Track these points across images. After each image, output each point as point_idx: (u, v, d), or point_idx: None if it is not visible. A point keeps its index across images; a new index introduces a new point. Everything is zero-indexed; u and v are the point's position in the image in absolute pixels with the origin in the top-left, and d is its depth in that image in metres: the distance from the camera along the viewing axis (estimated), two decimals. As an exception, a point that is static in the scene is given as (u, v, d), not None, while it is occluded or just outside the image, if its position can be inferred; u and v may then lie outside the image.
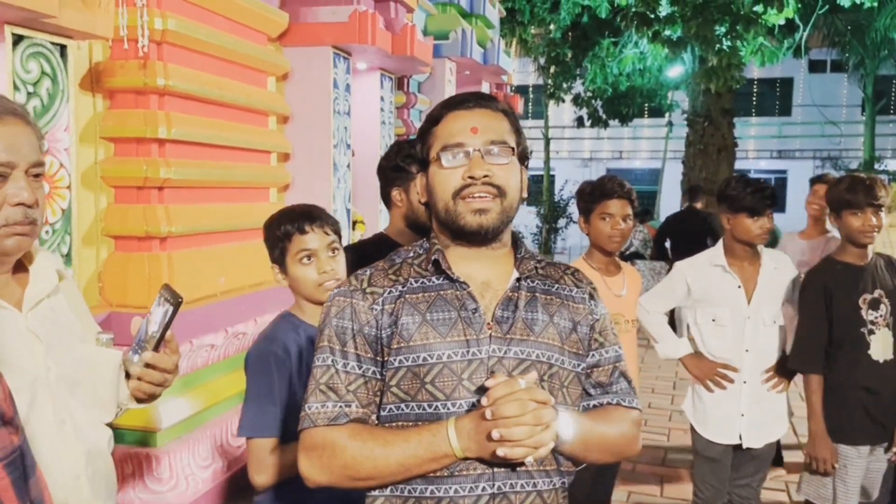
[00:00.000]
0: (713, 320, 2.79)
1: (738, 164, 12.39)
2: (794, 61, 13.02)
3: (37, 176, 1.20)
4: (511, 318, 1.21)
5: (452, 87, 5.33)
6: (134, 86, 2.84)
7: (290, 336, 1.65)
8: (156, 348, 1.32)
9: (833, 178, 3.58)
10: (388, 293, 1.21)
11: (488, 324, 1.19)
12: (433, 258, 1.23)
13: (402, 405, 1.17)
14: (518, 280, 1.24)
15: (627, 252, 11.50)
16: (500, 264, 1.26)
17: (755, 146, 21.82)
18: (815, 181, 3.99)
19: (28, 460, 0.88)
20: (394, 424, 1.18)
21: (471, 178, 1.18)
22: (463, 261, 1.24)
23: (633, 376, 2.72)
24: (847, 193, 2.61)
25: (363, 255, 1.83)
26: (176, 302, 1.28)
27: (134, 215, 2.88)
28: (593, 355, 1.28)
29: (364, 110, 4.45)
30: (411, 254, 1.28)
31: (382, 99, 4.59)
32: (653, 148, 21.98)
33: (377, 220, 4.41)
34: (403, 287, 1.21)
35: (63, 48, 2.62)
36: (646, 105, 14.33)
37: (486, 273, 1.24)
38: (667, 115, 15.45)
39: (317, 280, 1.68)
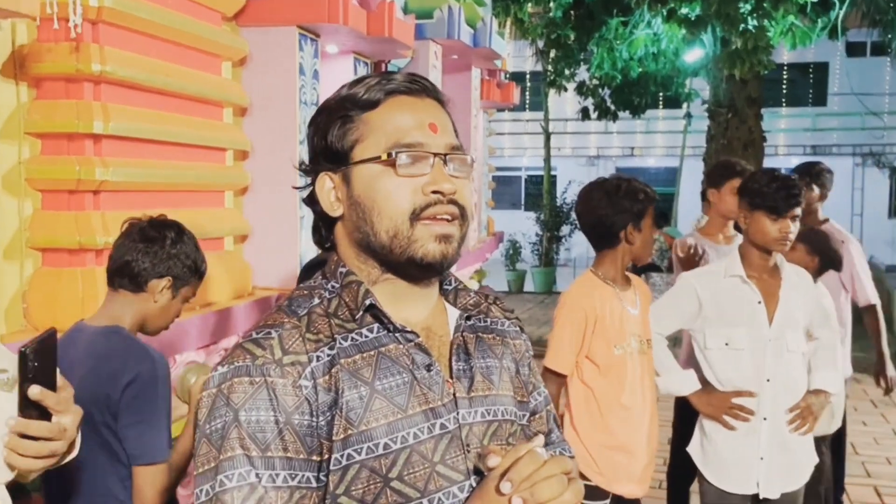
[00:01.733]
0: (726, 344, 2.76)
1: (767, 162, 12.45)
2: (830, 43, 13.15)
3: None
4: (469, 370, 1.14)
5: (438, 73, 5.34)
6: (65, 72, 2.81)
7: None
8: (24, 410, 1.19)
9: None
10: (317, 360, 1.04)
11: (447, 382, 1.11)
12: (366, 301, 1.09)
13: None
14: (461, 319, 1.17)
15: (639, 263, 11.54)
16: (434, 302, 1.17)
17: (786, 141, 22.04)
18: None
19: None
20: None
21: (436, 192, 1.07)
22: (395, 302, 1.12)
23: (654, 414, 2.72)
24: None
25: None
26: (37, 343, 1.15)
27: (65, 224, 2.85)
28: (532, 400, 1.25)
29: None
30: (315, 300, 1.11)
31: None
32: (669, 143, 22.15)
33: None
34: (331, 349, 1.06)
35: (-19, 28, 2.60)
36: (661, 94, 14.45)
37: (422, 315, 1.14)
38: (685, 105, 15.61)
39: None
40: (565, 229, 16.44)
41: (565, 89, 14.48)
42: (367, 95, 1.11)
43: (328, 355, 1.05)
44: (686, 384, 2.86)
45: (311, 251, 3.74)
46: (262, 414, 1.00)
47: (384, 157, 1.08)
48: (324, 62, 4.19)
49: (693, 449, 2.88)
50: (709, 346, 2.82)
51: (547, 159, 16.75)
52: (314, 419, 1.02)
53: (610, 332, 2.68)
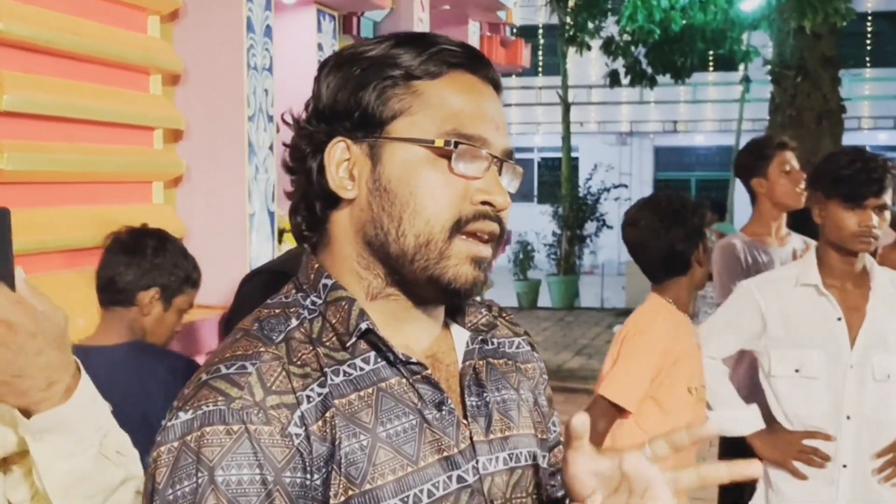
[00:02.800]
0: (797, 371, 2.78)
1: (848, 137, 12.49)
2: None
3: None
4: (484, 406, 1.17)
5: (425, 27, 5.32)
6: (-57, 30, 2.80)
7: None
8: None
9: None
10: (308, 402, 1.04)
11: (462, 422, 1.13)
12: (362, 325, 1.09)
13: None
14: (473, 343, 1.20)
15: (700, 288, 11.47)
16: (439, 324, 1.19)
17: (871, 111, 22.12)
18: None
19: None
20: None
21: (487, 204, 1.10)
22: (395, 324, 1.13)
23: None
24: None
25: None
26: None
27: (-53, 226, 2.84)
28: (550, 434, 1.30)
29: (293, 65, 4.39)
30: (293, 322, 1.11)
31: (321, 48, 4.55)
32: (722, 116, 22.17)
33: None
34: (322, 387, 1.06)
35: None
36: (710, 53, 14.47)
37: (427, 340, 1.17)
38: (741, 67, 15.60)
39: None
40: (590, 227, 16.39)
41: (588, 48, 14.47)
42: (425, 61, 1.11)
43: (319, 394, 1.05)
44: (747, 422, 2.88)
45: (264, 258, 3.74)
46: (245, 472, 1.00)
47: (439, 143, 1.09)
48: (278, 15, 4.18)
49: None
50: (775, 373, 2.85)
51: (566, 137, 16.76)
52: (308, 477, 1.02)
53: (687, 372, 2.76)
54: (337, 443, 1.04)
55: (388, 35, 1.17)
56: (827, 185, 2.74)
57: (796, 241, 3.79)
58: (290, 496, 1.01)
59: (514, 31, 7.92)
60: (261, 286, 1.92)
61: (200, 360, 2.84)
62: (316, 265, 1.14)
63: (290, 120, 1.17)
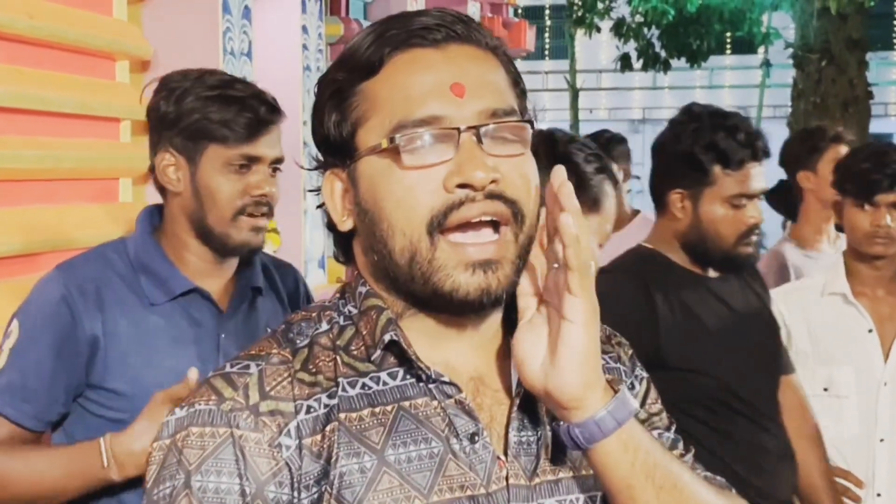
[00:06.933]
0: (825, 389, 2.76)
1: (875, 126, 12.51)
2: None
3: None
4: (535, 442, 1.09)
5: (420, 7, 5.28)
6: None
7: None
8: None
9: None
10: (307, 412, 1.02)
11: (499, 459, 1.06)
12: (385, 336, 1.06)
13: None
14: None
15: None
16: (492, 340, 1.12)
17: (898, 96, 22.14)
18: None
19: None
20: None
21: (464, 186, 1.02)
22: (430, 339, 1.09)
23: None
24: None
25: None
26: None
27: None
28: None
29: (275, 49, 4.40)
30: (324, 325, 1.10)
31: (305, 30, 4.55)
32: (740, 102, 22.22)
33: (302, 228, 4.33)
34: (331, 398, 1.04)
35: None
36: (728, 35, 14.48)
37: (471, 360, 1.10)
38: (761, 50, 15.68)
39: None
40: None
41: (598, 30, 14.55)
42: (365, 55, 1.07)
43: (325, 406, 1.03)
44: None
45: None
46: (224, 480, 0.99)
47: (384, 143, 1.04)
48: (259, -4, 4.18)
49: None
50: None
51: (574, 125, 16.88)
52: (295, 495, 1.00)
53: None
54: (333, 460, 1.01)
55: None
56: (840, 183, 2.77)
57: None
58: None
59: (518, 11, 7.99)
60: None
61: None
62: (356, 272, 1.14)
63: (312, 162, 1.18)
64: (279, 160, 2.10)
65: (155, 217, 2.21)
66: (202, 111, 2.03)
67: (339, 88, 1.08)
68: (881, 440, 2.71)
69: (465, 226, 1.03)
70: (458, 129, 1.03)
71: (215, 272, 2.11)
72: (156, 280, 2.05)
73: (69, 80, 3.35)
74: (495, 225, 1.03)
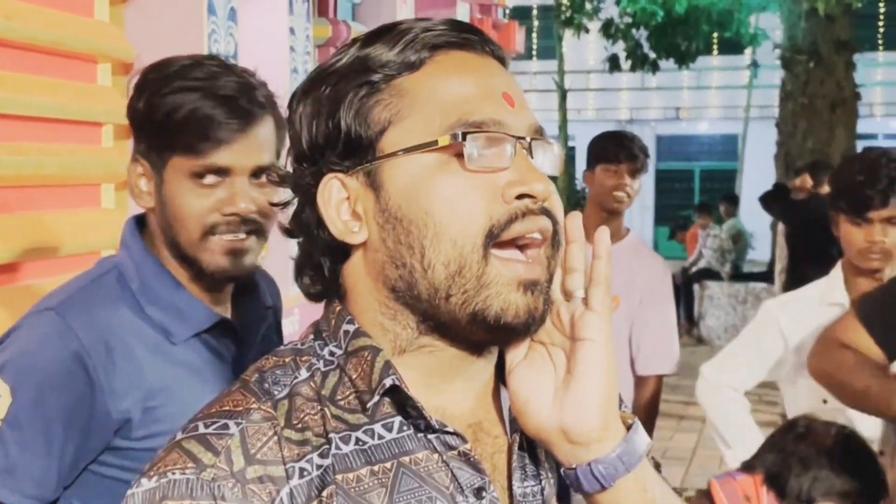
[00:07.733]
0: (825, 402, 2.73)
1: (863, 126, 12.55)
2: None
3: None
4: (538, 494, 1.02)
5: (410, 10, 5.33)
6: None
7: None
8: None
9: None
10: (300, 476, 0.94)
11: None
12: (386, 381, 0.97)
13: None
14: None
15: (694, 269, 11.60)
16: (489, 382, 1.04)
17: (885, 97, 22.24)
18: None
19: None
20: None
21: (523, 196, 0.96)
22: (428, 381, 1.00)
23: None
24: None
25: None
26: None
27: None
28: None
29: (261, 51, 4.32)
30: (303, 373, 1.00)
31: (293, 31, 4.57)
32: (728, 103, 22.44)
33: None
34: (324, 457, 0.95)
35: None
36: (716, 36, 14.51)
37: (469, 403, 1.02)
38: (749, 51, 15.73)
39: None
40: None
41: (586, 30, 14.57)
42: (402, 52, 1.00)
43: (318, 467, 0.94)
44: None
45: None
46: None
47: (444, 140, 0.96)
48: (245, -3, 4.17)
49: None
50: (800, 406, 2.80)
51: (563, 126, 16.88)
52: None
53: None
54: None
55: (353, 39, 1.04)
56: (834, 198, 2.77)
57: None
58: None
59: (507, 12, 7.99)
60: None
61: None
62: (338, 308, 1.02)
63: (274, 178, 1.07)
64: (261, 169, 1.70)
65: (143, 228, 1.84)
66: (170, 113, 1.69)
67: (368, 82, 1.00)
68: (880, 452, 2.66)
69: (515, 241, 0.97)
70: (522, 137, 0.99)
71: (215, 299, 1.79)
72: (174, 312, 1.72)
73: (49, 84, 3.33)
74: (541, 240, 0.99)
